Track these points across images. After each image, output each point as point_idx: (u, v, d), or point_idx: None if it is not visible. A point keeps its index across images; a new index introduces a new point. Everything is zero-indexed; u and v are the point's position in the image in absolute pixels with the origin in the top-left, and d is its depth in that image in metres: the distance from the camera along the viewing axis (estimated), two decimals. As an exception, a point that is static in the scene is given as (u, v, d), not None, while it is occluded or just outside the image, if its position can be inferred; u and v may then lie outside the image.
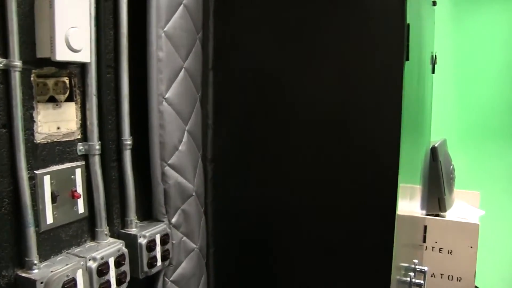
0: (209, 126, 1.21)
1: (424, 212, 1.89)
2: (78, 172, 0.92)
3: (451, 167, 2.29)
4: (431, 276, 2.07)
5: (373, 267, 1.04)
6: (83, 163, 0.93)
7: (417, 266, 1.49)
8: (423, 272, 1.49)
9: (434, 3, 1.74)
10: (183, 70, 1.09)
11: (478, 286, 3.17)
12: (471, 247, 2.00)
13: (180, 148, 1.10)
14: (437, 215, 2.23)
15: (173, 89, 1.07)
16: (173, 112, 1.07)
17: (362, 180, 1.02)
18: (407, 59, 0.97)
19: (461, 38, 7.58)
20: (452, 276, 2.04)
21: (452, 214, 2.31)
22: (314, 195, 1.08)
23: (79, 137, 0.93)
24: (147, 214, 1.12)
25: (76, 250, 0.91)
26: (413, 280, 1.40)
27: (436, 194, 2.09)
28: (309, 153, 1.08)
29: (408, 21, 0.97)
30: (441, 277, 2.05)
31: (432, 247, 2.04)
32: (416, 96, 1.24)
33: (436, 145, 2.11)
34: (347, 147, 1.03)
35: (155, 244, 1.05)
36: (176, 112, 1.08)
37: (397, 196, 0.99)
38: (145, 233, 1.03)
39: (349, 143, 1.03)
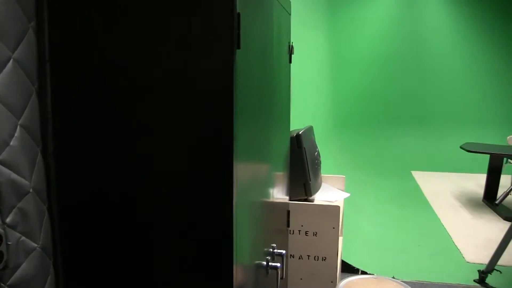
0: (48, 120, 1.15)
1: (287, 198, 1.97)
2: None
3: (316, 153, 2.42)
4: (299, 258, 2.17)
5: (215, 258, 1.06)
6: None
7: (275, 250, 1.55)
8: (281, 255, 1.55)
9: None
10: (11, 61, 1.03)
11: (345, 260, 3.39)
12: (334, 228, 2.13)
13: (11, 143, 1.03)
14: (306, 200, 2.34)
15: (-1, 81, 1.00)
16: (0, 106, 1.00)
17: (200, 172, 1.03)
18: (239, 47, 1.00)
19: (336, 31, 8.05)
20: (317, 257, 2.16)
21: (320, 197, 2.44)
22: (157, 186, 1.08)
23: None
24: (-21, 216, 1.04)
25: None
26: (270, 263, 1.45)
27: (301, 179, 2.19)
28: (152, 146, 1.07)
29: (239, 10, 0.99)
30: (308, 258, 2.16)
31: (299, 231, 2.15)
32: (260, 84, 1.28)
33: (300, 132, 2.21)
34: (186, 140, 1.03)
35: (-16, 247, 0.98)
36: (4, 105, 1.01)
37: (232, 186, 1.01)
38: (-28, 236, 0.96)
39: (187, 135, 1.03)
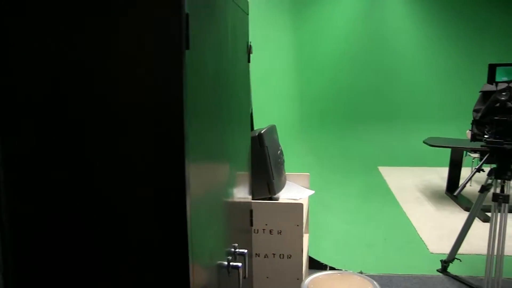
0: (-4, 127, 1.12)
1: (250, 197, 1.97)
2: None
3: (279, 151, 2.43)
4: (264, 257, 2.18)
5: (171, 260, 1.05)
6: None
7: (237, 250, 1.55)
8: (243, 254, 1.55)
9: (247, -4, 1.81)
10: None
11: (313, 257, 3.43)
12: (298, 225, 2.14)
13: (-44, 151, 1.00)
14: (270, 198, 2.35)
15: None
16: None
17: (151, 174, 1.03)
18: (188, 48, 0.99)
19: (301, 30, 8.13)
20: (282, 255, 2.17)
21: (284, 196, 2.46)
22: (107, 189, 1.06)
23: None
24: None
25: None
26: (231, 263, 1.45)
27: (264, 178, 2.20)
28: (101, 148, 1.05)
29: (187, 11, 0.99)
30: (273, 257, 2.17)
31: (263, 230, 2.15)
32: (215, 84, 1.28)
33: (262, 132, 2.21)
34: (136, 140, 1.02)
35: None
36: None
37: (185, 186, 1.01)
38: None
39: (137, 136, 1.02)
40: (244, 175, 1.81)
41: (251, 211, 1.89)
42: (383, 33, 8.04)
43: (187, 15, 0.99)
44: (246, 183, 1.83)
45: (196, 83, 1.08)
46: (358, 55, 8.04)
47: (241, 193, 1.74)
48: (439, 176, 6.65)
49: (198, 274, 1.13)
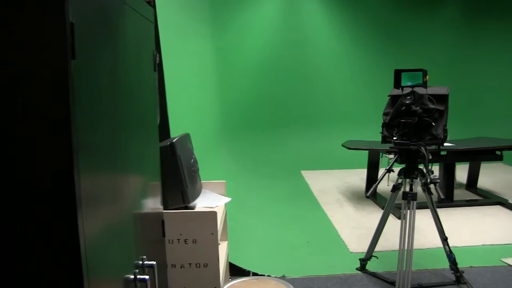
0: None
1: (161, 207, 1.94)
2: None
3: (193, 160, 2.41)
4: (181, 267, 2.15)
5: (64, 278, 1.01)
6: None
7: (145, 262, 1.52)
8: (152, 267, 1.53)
9: (150, 3, 1.78)
10: None
11: (235, 264, 3.44)
12: (212, 233, 2.14)
13: None
14: (186, 207, 2.33)
15: None
16: None
17: (37, 190, 0.98)
18: (74, 58, 0.96)
19: (221, 39, 8.16)
20: (199, 264, 2.15)
21: (200, 204, 2.45)
22: None
23: None
24: None
25: None
26: (138, 276, 1.42)
27: (178, 187, 2.18)
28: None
29: (72, 20, 0.96)
30: (190, 266, 2.15)
31: (178, 240, 2.13)
32: (113, 95, 1.25)
33: (174, 141, 2.19)
34: (19, 157, 0.97)
35: None
36: None
37: (75, 200, 0.98)
38: None
39: (21, 151, 0.97)
40: (154, 185, 1.78)
41: (162, 221, 1.86)
42: (301, 40, 8.26)
43: (72, 24, 0.96)
44: (156, 193, 1.80)
45: (86, 94, 1.05)
46: (278, 61, 8.20)
47: (151, 204, 1.71)
48: (359, 177, 6.91)
49: (96, 290, 1.10)
